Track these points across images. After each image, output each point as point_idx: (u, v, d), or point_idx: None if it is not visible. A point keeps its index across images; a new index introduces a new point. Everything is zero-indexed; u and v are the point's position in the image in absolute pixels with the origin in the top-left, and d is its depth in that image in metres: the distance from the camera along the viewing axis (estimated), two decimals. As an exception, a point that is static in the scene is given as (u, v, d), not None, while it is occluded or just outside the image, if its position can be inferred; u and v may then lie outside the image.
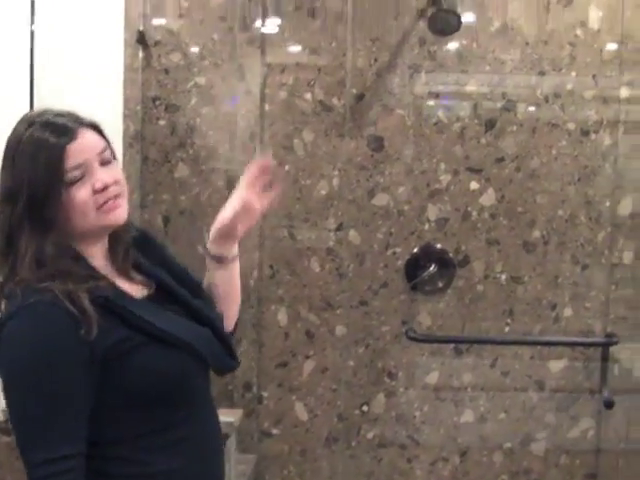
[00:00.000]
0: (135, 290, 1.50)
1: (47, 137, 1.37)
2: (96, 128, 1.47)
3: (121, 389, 1.39)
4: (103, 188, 1.40)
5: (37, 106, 2.62)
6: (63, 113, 1.45)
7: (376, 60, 2.87)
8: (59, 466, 1.32)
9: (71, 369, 1.33)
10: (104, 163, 1.43)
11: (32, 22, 2.69)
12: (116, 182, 1.43)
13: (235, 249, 1.73)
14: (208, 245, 1.70)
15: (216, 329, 1.55)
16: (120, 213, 1.45)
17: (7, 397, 1.36)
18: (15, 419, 1.36)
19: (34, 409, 1.33)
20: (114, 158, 1.48)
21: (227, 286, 1.74)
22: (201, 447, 1.49)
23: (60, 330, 1.33)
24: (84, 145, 1.40)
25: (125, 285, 1.48)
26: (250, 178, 1.69)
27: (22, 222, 1.37)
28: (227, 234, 1.68)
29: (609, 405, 2.82)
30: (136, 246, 1.56)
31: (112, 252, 1.51)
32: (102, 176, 1.41)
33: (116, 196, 1.43)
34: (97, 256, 1.47)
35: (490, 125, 2.86)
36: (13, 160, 1.40)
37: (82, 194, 1.39)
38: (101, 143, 1.44)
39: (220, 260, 1.70)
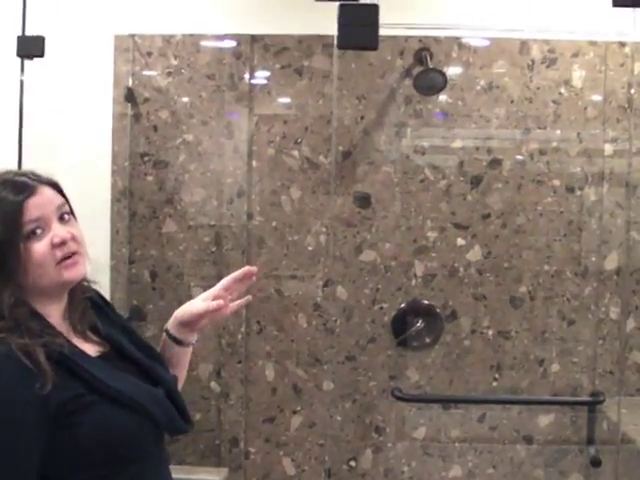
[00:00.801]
0: (90, 349, 1.51)
1: (6, 195, 1.41)
2: (55, 186, 1.50)
3: (70, 447, 1.39)
4: (61, 243, 1.43)
5: (25, 161, 2.71)
6: (23, 172, 1.49)
7: (362, 118, 2.95)
8: None
9: (23, 424, 1.34)
10: (62, 219, 1.47)
11: (22, 73, 2.78)
12: (74, 238, 1.46)
13: (195, 336, 1.75)
14: (169, 325, 1.73)
15: (169, 390, 1.58)
16: (78, 270, 1.47)
17: None
18: None
19: None
20: (73, 216, 1.52)
21: (176, 361, 1.74)
22: None
23: (14, 384, 1.35)
24: (42, 201, 1.44)
25: (80, 344, 1.50)
26: (230, 281, 1.75)
27: None
28: (191, 324, 1.70)
29: (596, 464, 2.88)
30: (93, 308, 1.59)
31: (69, 311, 1.53)
32: (60, 231, 1.44)
33: (74, 253, 1.45)
34: (54, 315, 1.48)
35: (476, 181, 2.93)
36: None
37: (40, 248, 1.42)
38: (59, 199, 1.48)
39: (179, 343, 1.73)
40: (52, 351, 1.38)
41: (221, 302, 1.67)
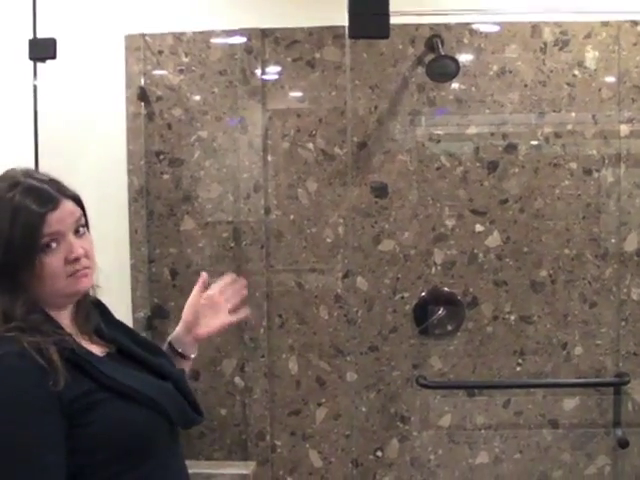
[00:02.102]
0: (97, 350, 1.58)
1: (29, 204, 1.46)
2: (75, 198, 1.56)
3: (83, 445, 1.44)
4: (75, 259, 1.50)
5: (42, 165, 2.81)
6: (47, 180, 1.53)
7: (376, 107, 3.04)
8: None
9: (43, 419, 1.39)
10: (77, 232, 1.53)
11: (35, 76, 2.88)
12: (87, 255, 1.53)
13: (195, 349, 1.89)
14: (172, 339, 1.87)
15: (178, 383, 1.65)
16: (87, 282, 1.55)
17: None
18: None
19: (9, 462, 1.38)
20: (87, 228, 1.59)
21: None
22: None
23: (29, 382, 1.40)
24: (62, 215, 1.49)
25: (88, 345, 1.57)
26: (221, 285, 1.95)
27: None
28: (190, 330, 1.88)
29: (623, 445, 2.97)
30: (96, 310, 1.67)
31: (76, 314, 1.61)
32: (76, 247, 1.50)
33: (85, 267, 1.53)
34: (63, 319, 1.55)
35: (492, 167, 3.02)
36: None
37: (55, 262, 1.48)
38: (78, 212, 1.54)
39: (181, 356, 1.85)
40: (63, 349, 1.45)
41: (204, 275, 1.91)
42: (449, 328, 3.08)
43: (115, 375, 1.51)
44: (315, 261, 3.07)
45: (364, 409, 3.10)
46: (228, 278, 1.98)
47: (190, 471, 2.08)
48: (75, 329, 1.59)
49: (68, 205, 1.52)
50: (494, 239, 3.03)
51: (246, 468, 2.22)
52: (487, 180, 3.02)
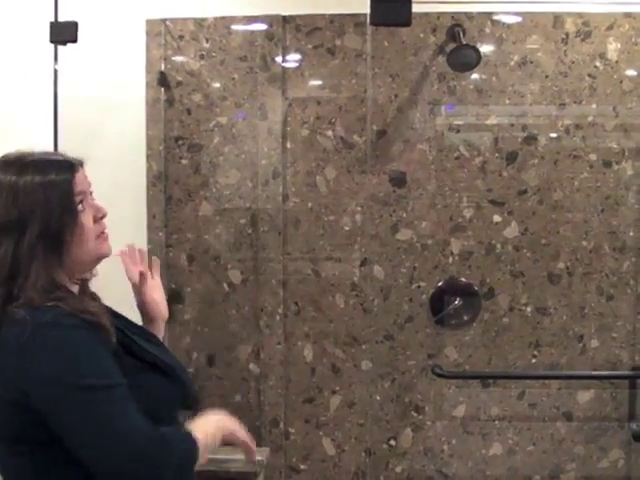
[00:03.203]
0: None
1: (55, 176, 1.59)
2: (82, 165, 1.70)
3: None
4: (102, 217, 1.67)
5: (61, 149, 2.91)
6: (53, 152, 1.72)
7: (396, 96, 3.12)
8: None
9: (110, 358, 1.53)
10: (92, 196, 1.69)
11: (56, 61, 2.98)
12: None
13: (162, 330, 1.99)
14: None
15: (179, 380, 1.77)
16: (110, 245, 1.71)
17: (71, 399, 1.48)
18: (87, 413, 1.48)
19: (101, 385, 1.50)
20: None
21: None
22: None
23: (89, 335, 1.51)
24: (82, 177, 1.65)
25: None
26: (125, 258, 2.04)
27: (33, 251, 1.56)
28: (147, 312, 1.98)
29: (638, 438, 3.05)
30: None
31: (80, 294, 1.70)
32: (101, 206, 1.68)
33: (105, 230, 1.69)
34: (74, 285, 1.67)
35: (511, 158, 3.10)
36: (14, 196, 1.57)
37: (88, 221, 1.63)
38: (88, 176, 1.69)
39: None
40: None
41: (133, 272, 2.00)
42: (465, 318, 3.17)
43: (144, 345, 1.67)
44: (332, 249, 3.16)
45: (378, 398, 3.20)
46: (125, 254, 2.05)
47: (204, 456, 2.20)
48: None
49: (80, 168, 1.67)
50: (512, 230, 3.11)
51: (260, 454, 2.30)
52: (506, 171, 3.10)
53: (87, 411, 1.46)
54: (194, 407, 1.84)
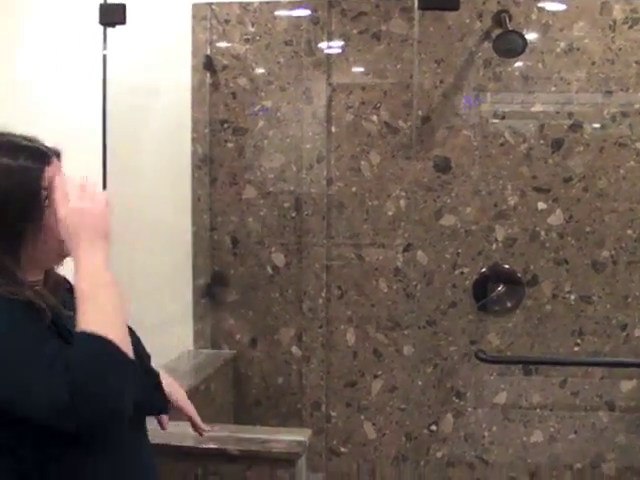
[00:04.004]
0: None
1: (26, 163, 1.56)
2: (59, 156, 1.66)
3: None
4: None
5: (109, 130, 3.18)
6: (33, 139, 1.63)
7: (442, 82, 3.39)
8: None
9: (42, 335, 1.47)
10: None
11: (105, 47, 3.25)
12: None
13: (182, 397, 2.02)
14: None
15: (144, 367, 1.71)
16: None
17: None
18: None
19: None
20: None
21: None
22: None
23: (19, 317, 1.46)
24: (55, 170, 1.60)
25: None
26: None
27: None
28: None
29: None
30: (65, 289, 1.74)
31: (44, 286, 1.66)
32: None
33: None
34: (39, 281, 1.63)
35: (557, 145, 3.35)
36: None
37: (54, 220, 1.56)
38: (62, 169, 1.65)
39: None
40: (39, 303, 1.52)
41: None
42: (508, 305, 3.43)
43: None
44: (376, 234, 3.44)
45: (420, 383, 3.48)
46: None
47: (246, 436, 2.49)
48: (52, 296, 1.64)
49: (56, 160, 1.64)
50: (556, 217, 3.37)
51: (303, 435, 2.55)
52: (551, 158, 3.36)
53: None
54: (158, 413, 1.85)
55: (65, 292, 1.71)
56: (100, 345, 1.42)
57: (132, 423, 1.59)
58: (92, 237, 1.54)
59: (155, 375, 1.77)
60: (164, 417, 1.89)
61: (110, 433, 1.52)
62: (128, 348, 1.46)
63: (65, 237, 1.54)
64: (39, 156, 1.59)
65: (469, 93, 3.37)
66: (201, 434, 2.02)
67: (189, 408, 1.97)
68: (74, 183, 1.57)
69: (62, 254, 1.62)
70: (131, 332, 1.72)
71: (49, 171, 1.58)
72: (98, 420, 1.42)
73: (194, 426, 1.99)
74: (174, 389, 1.95)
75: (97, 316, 1.46)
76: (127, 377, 1.45)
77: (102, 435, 1.50)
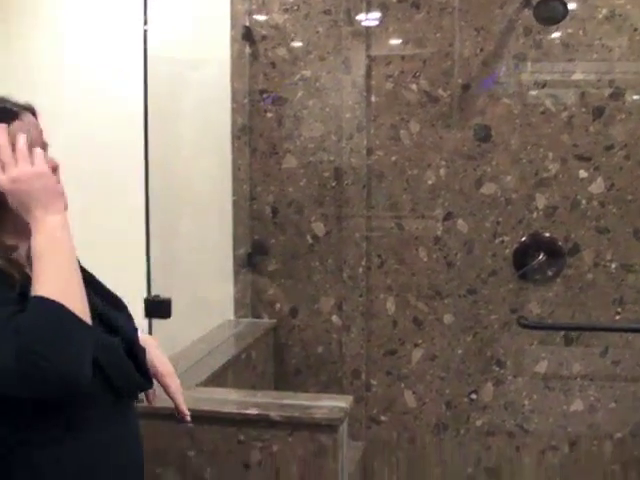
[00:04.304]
0: None
1: None
2: (34, 113, 1.66)
3: (16, 407, 1.51)
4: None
5: (151, 101, 3.29)
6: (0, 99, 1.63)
7: (482, 50, 3.49)
8: None
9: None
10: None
11: (145, 23, 3.36)
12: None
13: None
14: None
15: (130, 343, 1.70)
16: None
17: None
18: None
19: None
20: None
21: None
22: (107, 466, 1.63)
23: None
24: (27, 125, 1.60)
25: None
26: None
27: None
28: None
29: None
30: None
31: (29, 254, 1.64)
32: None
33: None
34: (20, 259, 1.61)
35: (598, 113, 3.44)
36: None
37: None
38: (39, 126, 1.64)
39: None
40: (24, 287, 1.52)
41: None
42: (549, 274, 3.54)
43: None
44: (416, 203, 3.55)
45: (460, 351, 3.59)
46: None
47: (288, 402, 2.60)
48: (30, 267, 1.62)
49: (29, 116, 1.63)
50: (598, 185, 3.46)
51: (345, 401, 2.66)
52: (592, 126, 3.45)
53: None
54: (139, 392, 1.81)
55: None
56: (51, 309, 1.42)
57: (110, 400, 1.64)
58: (44, 200, 1.52)
59: (140, 351, 1.74)
60: (149, 391, 1.85)
61: (89, 409, 1.57)
62: (84, 312, 1.46)
63: (16, 206, 1.52)
64: (5, 114, 1.58)
65: (509, 61, 3.46)
66: (183, 419, 1.92)
67: (173, 388, 1.89)
68: (7, 152, 1.52)
69: None
70: (119, 303, 1.80)
71: (16, 125, 1.57)
72: (47, 386, 1.41)
73: (175, 408, 1.91)
74: (160, 363, 1.89)
75: (51, 280, 1.46)
76: (81, 342, 1.44)
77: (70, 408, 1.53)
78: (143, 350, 1.75)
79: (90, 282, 1.72)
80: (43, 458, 1.54)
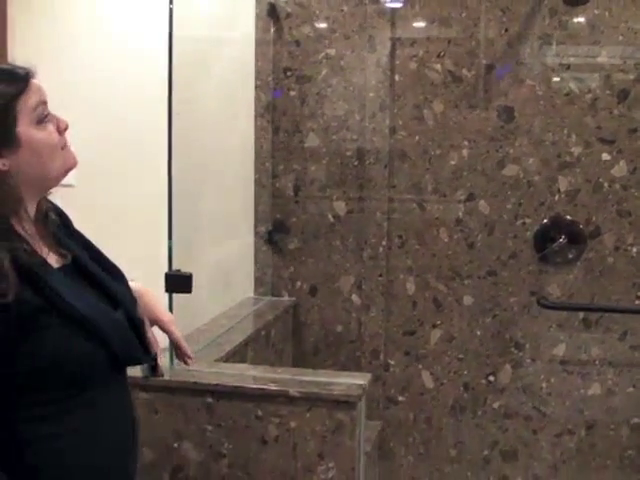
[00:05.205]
0: (52, 259, 1.65)
1: (4, 87, 1.56)
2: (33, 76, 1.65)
3: (23, 366, 1.53)
4: (65, 129, 1.65)
5: (175, 77, 3.28)
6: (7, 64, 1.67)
7: (506, 30, 3.47)
8: None
9: None
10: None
11: (171, 2, 3.36)
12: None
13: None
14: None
15: (130, 313, 1.72)
16: (76, 158, 1.68)
17: None
18: None
19: None
20: None
21: None
22: (101, 440, 1.65)
23: None
24: (39, 86, 1.62)
25: (44, 253, 1.63)
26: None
27: None
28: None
29: None
30: (58, 218, 1.77)
31: (36, 220, 1.67)
32: (61, 117, 1.65)
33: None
34: (25, 224, 1.60)
35: (623, 96, 3.42)
36: None
37: (49, 132, 1.61)
38: (44, 90, 1.65)
39: None
40: (17, 258, 1.52)
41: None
42: (569, 257, 3.53)
43: (63, 293, 1.57)
44: (438, 183, 3.54)
45: (479, 333, 3.59)
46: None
47: (307, 378, 2.61)
48: (36, 234, 1.64)
49: (36, 80, 1.64)
50: (620, 169, 3.44)
51: (363, 379, 2.67)
52: (616, 109, 3.43)
53: None
54: (138, 363, 1.83)
55: (58, 221, 1.75)
56: None
57: (111, 372, 1.67)
58: None
59: (139, 322, 1.76)
60: (159, 367, 1.90)
61: (83, 379, 1.60)
62: None
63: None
64: (19, 78, 1.59)
65: (534, 42, 3.44)
66: (186, 362, 1.96)
67: (176, 334, 1.92)
68: None
69: (65, 168, 1.66)
70: (117, 272, 1.81)
71: (34, 85, 1.60)
72: None
73: (179, 351, 1.95)
74: (160, 312, 1.93)
75: None
76: None
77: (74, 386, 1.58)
78: (142, 322, 1.78)
79: (88, 248, 1.78)
80: (41, 433, 1.57)
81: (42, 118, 1.59)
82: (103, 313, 1.63)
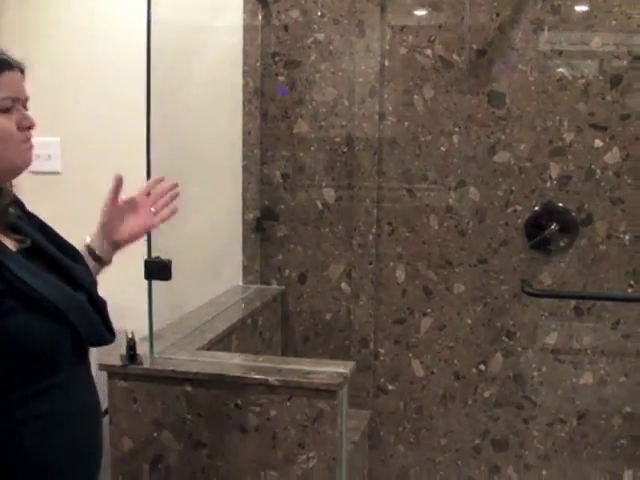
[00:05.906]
0: (11, 244, 1.65)
1: None
2: (23, 73, 1.67)
3: None
4: (29, 127, 1.65)
5: (154, 65, 3.24)
6: None
7: (498, 15, 3.42)
8: None
9: None
10: (25, 108, 1.67)
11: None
12: (33, 127, 1.68)
13: (111, 256, 2.03)
14: (93, 244, 2.00)
15: (91, 295, 1.74)
16: (32, 157, 1.67)
17: None
18: None
19: None
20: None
21: None
22: (66, 424, 1.64)
23: None
24: (17, 78, 1.63)
25: (2, 238, 1.64)
26: (144, 188, 2.12)
27: None
28: (107, 235, 2.01)
29: None
30: (16, 207, 1.77)
31: None
32: (29, 116, 1.66)
33: (31, 141, 1.67)
34: None
35: (616, 81, 3.37)
36: None
37: (8, 124, 1.60)
38: (26, 85, 1.67)
39: (96, 258, 1.99)
40: None
41: (118, 176, 2.01)
42: (561, 244, 3.48)
43: (24, 276, 1.56)
44: (428, 170, 3.49)
45: (469, 321, 3.55)
46: (153, 180, 2.14)
47: (288, 367, 2.57)
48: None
49: (18, 74, 1.65)
50: (613, 155, 3.39)
51: (345, 367, 2.63)
52: (609, 94, 3.38)
53: None
54: (103, 344, 1.80)
55: (18, 211, 1.75)
56: None
57: (76, 355, 1.68)
58: None
59: (101, 303, 1.77)
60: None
61: (47, 362, 1.59)
62: None
63: None
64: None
65: (526, 27, 3.38)
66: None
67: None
68: None
69: (20, 166, 1.66)
70: (76, 254, 1.83)
71: (7, 77, 1.60)
72: None
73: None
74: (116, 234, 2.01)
75: None
76: None
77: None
78: (104, 302, 1.78)
79: (44, 231, 1.78)
80: (9, 419, 1.55)
81: (4, 109, 1.59)
82: (65, 294, 1.63)
